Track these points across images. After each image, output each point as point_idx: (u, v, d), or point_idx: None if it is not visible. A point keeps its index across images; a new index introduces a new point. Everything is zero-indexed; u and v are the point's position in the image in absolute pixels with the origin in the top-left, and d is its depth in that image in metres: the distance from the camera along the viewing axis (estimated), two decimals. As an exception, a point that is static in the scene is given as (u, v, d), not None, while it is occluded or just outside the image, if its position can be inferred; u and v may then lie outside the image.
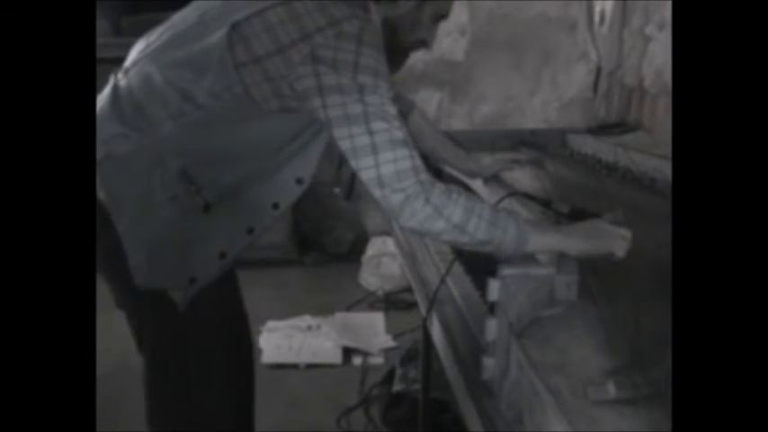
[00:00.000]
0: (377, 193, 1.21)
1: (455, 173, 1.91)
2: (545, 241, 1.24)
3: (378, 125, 1.20)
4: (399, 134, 1.21)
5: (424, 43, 1.45)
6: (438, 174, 1.86)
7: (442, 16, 1.43)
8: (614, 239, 1.22)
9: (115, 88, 1.38)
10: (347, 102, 1.19)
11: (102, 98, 1.39)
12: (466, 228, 1.21)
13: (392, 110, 1.22)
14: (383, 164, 1.19)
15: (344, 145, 1.21)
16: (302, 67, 1.21)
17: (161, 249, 1.35)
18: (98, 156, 1.31)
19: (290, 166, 1.39)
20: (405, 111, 1.69)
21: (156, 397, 1.50)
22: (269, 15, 1.24)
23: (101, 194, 1.34)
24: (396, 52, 1.39)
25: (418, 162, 1.22)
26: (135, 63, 1.39)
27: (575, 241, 1.23)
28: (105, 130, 1.33)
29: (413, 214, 1.20)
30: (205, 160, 1.34)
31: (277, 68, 1.23)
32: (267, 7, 1.25)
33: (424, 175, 1.22)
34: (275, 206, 1.41)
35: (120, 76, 1.40)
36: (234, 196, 1.37)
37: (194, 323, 1.41)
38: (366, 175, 1.21)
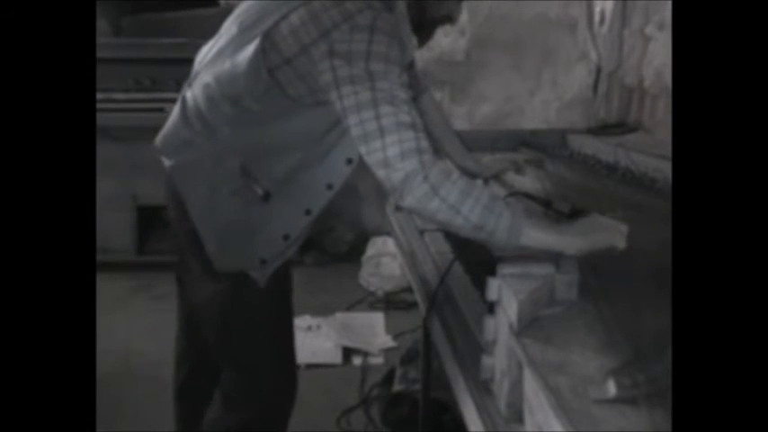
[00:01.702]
0: (381, 173, 1.27)
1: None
2: (541, 237, 1.24)
3: (385, 109, 1.27)
4: (407, 118, 1.28)
5: (450, 18, 1.58)
6: None
7: None
8: (613, 232, 1.22)
9: (183, 99, 1.55)
10: (358, 90, 1.29)
11: (174, 109, 1.57)
12: (460, 209, 1.24)
13: (402, 94, 1.30)
14: (389, 146, 1.26)
15: (356, 132, 1.30)
16: (321, 63, 1.33)
17: (230, 237, 1.51)
18: (170, 161, 1.53)
19: (337, 150, 1.48)
20: (416, 93, 1.76)
21: (234, 363, 1.65)
22: (293, 18, 1.36)
23: (176, 192, 1.53)
24: (423, 27, 1.55)
25: (424, 144, 1.28)
26: (196, 75, 1.55)
27: (573, 240, 1.23)
28: (176, 137, 1.54)
29: (411, 191, 1.25)
30: (259, 155, 1.47)
31: (304, 66, 1.35)
32: (291, 10, 1.37)
33: (428, 156, 1.27)
34: (329, 186, 1.51)
35: (186, 87, 1.56)
36: (288, 183, 1.48)
37: (270, 297, 1.57)
38: (374, 158, 1.28)
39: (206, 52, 1.56)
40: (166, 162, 1.56)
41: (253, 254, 1.52)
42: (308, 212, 1.53)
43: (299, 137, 1.46)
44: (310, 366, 3.02)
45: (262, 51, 1.38)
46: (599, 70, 3.05)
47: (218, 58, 1.49)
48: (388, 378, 2.69)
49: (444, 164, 1.30)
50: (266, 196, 1.47)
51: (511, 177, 1.85)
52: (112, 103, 3.64)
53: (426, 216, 1.31)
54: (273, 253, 1.54)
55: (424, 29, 1.57)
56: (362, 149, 1.30)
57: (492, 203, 1.25)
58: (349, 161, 1.49)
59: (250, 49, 1.39)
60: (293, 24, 1.36)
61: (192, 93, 1.52)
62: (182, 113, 1.53)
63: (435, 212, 1.26)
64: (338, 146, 1.47)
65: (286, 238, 1.53)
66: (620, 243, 1.22)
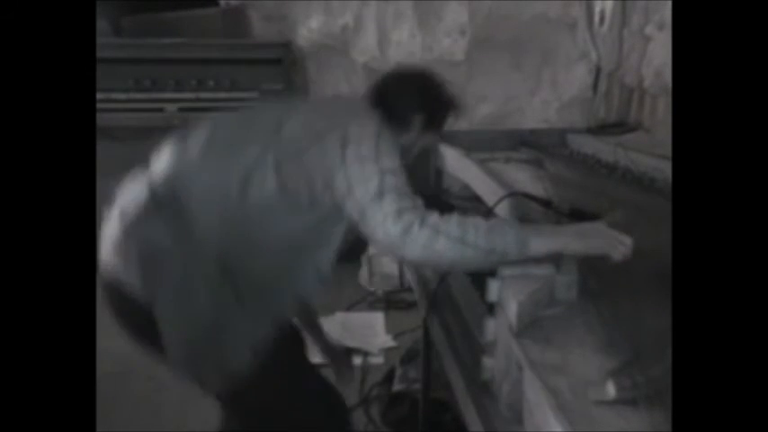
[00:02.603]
0: (380, 236, 1.30)
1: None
2: (545, 242, 1.24)
3: (389, 179, 1.33)
4: (397, 181, 1.34)
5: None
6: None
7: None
8: (610, 241, 1.22)
9: (152, 187, 1.49)
10: (365, 167, 1.35)
11: (136, 193, 1.50)
12: (466, 239, 1.24)
13: (395, 162, 1.38)
14: (384, 209, 1.30)
15: (359, 192, 1.34)
16: (333, 150, 1.38)
17: (197, 339, 1.45)
18: (137, 248, 1.45)
19: (311, 260, 1.50)
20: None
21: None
22: (304, 118, 1.47)
23: (139, 282, 1.44)
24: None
25: (417, 202, 1.32)
26: (174, 170, 1.50)
27: (571, 240, 1.23)
28: (147, 225, 1.46)
29: (414, 240, 1.26)
30: (239, 253, 1.45)
31: (313, 156, 1.40)
32: (300, 112, 1.49)
33: (419, 209, 1.31)
34: (298, 298, 1.57)
35: (156, 179, 1.51)
36: (263, 287, 1.47)
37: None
38: (371, 224, 1.31)
39: (188, 145, 1.53)
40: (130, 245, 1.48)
41: (218, 359, 1.47)
42: (278, 320, 1.52)
43: (287, 237, 1.46)
44: (310, 366, 3.02)
45: (271, 147, 1.42)
46: (599, 70, 3.05)
47: (207, 154, 1.49)
48: (388, 378, 2.69)
49: (433, 211, 1.32)
50: (240, 298, 1.44)
51: (511, 177, 1.85)
52: (112, 103, 3.64)
53: (436, 260, 1.30)
54: (240, 360, 1.47)
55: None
56: (360, 220, 1.34)
57: (491, 225, 1.26)
58: (318, 272, 1.51)
59: (257, 145, 1.43)
60: (305, 123, 1.45)
61: (173, 185, 1.48)
62: (153, 200, 1.47)
63: (444, 252, 1.26)
64: (314, 257, 1.50)
65: (254, 346, 1.48)
66: (615, 254, 1.22)
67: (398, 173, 1.37)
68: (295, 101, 1.57)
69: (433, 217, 1.28)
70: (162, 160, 1.54)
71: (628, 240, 1.23)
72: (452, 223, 1.27)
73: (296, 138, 1.43)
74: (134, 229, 1.46)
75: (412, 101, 1.59)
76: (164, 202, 1.47)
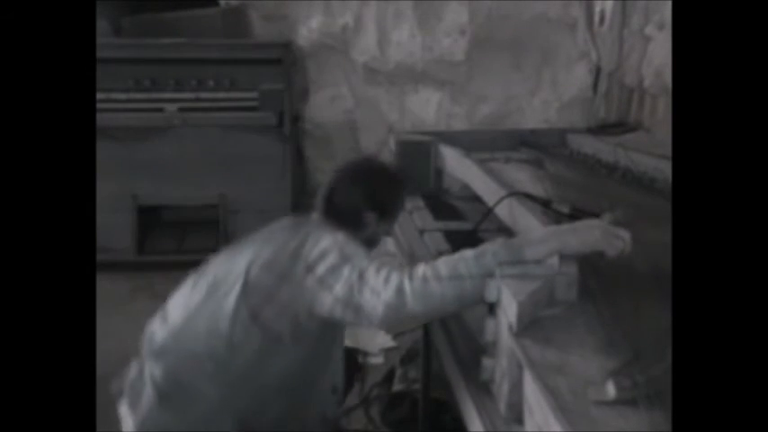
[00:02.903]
0: (377, 307, 1.31)
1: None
2: (539, 249, 1.23)
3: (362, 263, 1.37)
4: (376, 264, 1.36)
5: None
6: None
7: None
8: (607, 237, 1.21)
9: (151, 377, 1.52)
10: (341, 273, 1.37)
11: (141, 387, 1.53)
12: (458, 273, 1.25)
13: (362, 252, 1.43)
14: (370, 279, 1.33)
15: (342, 290, 1.36)
16: (304, 279, 1.41)
17: None
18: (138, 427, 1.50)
19: (325, 378, 1.56)
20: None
21: None
22: (264, 256, 1.47)
23: None
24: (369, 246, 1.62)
25: (393, 262, 1.38)
26: (161, 349, 1.54)
27: (567, 239, 1.22)
28: (150, 411, 1.50)
29: (410, 295, 1.28)
30: (249, 409, 1.50)
31: (287, 294, 1.43)
32: (258, 252, 1.48)
33: (399, 265, 1.36)
34: (323, 418, 1.60)
35: (148, 362, 1.54)
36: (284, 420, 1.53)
37: None
38: (366, 308, 1.33)
39: (173, 321, 1.56)
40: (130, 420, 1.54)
41: None
42: None
43: (285, 377, 1.50)
44: (310, 366, 3.01)
45: (243, 301, 1.45)
46: (599, 70, 3.05)
47: (189, 322, 1.52)
48: (388, 378, 2.69)
49: (415, 265, 1.35)
50: None
51: (511, 177, 1.85)
52: (112, 103, 3.64)
53: (440, 305, 1.30)
54: None
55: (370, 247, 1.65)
56: (347, 315, 1.37)
57: (479, 251, 1.26)
58: (334, 390, 1.56)
59: (231, 300, 1.46)
60: (265, 263, 1.47)
61: (165, 364, 1.52)
62: (154, 391, 1.51)
63: (443, 293, 1.26)
64: (324, 374, 1.55)
65: None
66: (612, 251, 1.21)
67: (369, 256, 1.42)
68: (252, 238, 1.58)
69: (418, 268, 1.30)
70: (153, 339, 1.57)
71: (626, 235, 1.22)
72: (439, 264, 1.28)
73: (262, 284, 1.46)
74: (148, 424, 1.51)
75: (360, 202, 1.60)
76: (169, 394, 1.50)
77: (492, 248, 1.25)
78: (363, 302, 1.33)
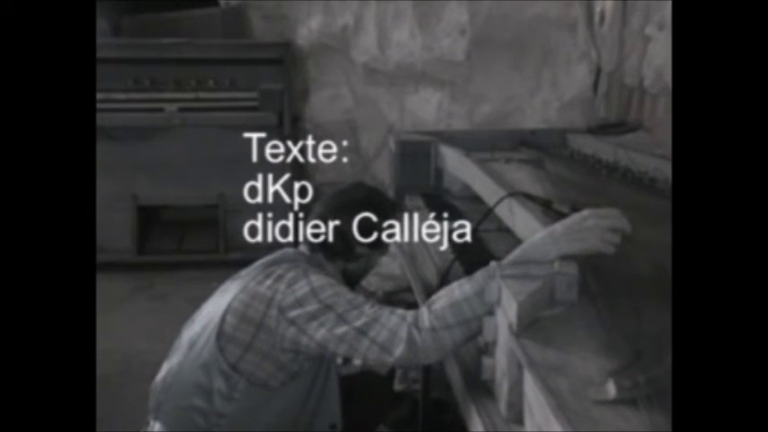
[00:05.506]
0: (387, 359, 1.31)
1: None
2: (539, 267, 1.21)
3: (353, 314, 1.35)
4: (372, 310, 1.36)
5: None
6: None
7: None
8: (601, 236, 1.20)
9: None
10: (323, 321, 1.36)
11: None
12: (464, 316, 1.24)
13: (359, 297, 1.41)
14: (377, 335, 1.31)
15: (343, 350, 1.36)
16: (279, 326, 1.40)
17: None
18: None
19: (319, 417, 1.53)
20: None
21: None
22: (235, 306, 1.45)
23: None
24: (353, 284, 1.63)
25: (399, 312, 1.34)
26: (159, 404, 1.53)
27: (564, 248, 1.21)
28: None
29: (424, 349, 1.27)
30: None
31: (265, 343, 1.42)
32: (231, 301, 1.46)
33: (408, 317, 1.32)
34: None
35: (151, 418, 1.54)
36: None
37: None
38: (372, 355, 1.32)
39: (164, 376, 1.56)
40: None
41: None
42: None
43: (279, 422, 1.48)
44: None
45: (219, 352, 1.44)
46: (599, 70, 3.05)
47: (177, 377, 1.51)
48: (388, 378, 2.69)
49: (419, 310, 1.33)
50: None
51: (511, 177, 1.84)
52: (112, 102, 3.64)
53: (449, 351, 1.30)
54: None
55: (355, 284, 1.64)
56: (358, 359, 1.37)
57: (478, 288, 1.24)
58: (333, 427, 1.54)
59: (206, 353, 1.45)
60: (238, 311, 1.44)
61: (162, 421, 1.52)
62: None
63: (454, 340, 1.26)
64: (319, 413, 1.53)
65: None
66: (608, 249, 1.20)
67: (354, 299, 1.39)
68: (234, 278, 1.56)
69: (422, 316, 1.29)
70: (152, 396, 1.56)
71: (620, 222, 1.20)
72: (444, 311, 1.26)
73: (238, 335, 1.43)
74: None
75: (351, 237, 1.57)
76: None
77: (492, 282, 1.21)
78: (370, 358, 1.33)
